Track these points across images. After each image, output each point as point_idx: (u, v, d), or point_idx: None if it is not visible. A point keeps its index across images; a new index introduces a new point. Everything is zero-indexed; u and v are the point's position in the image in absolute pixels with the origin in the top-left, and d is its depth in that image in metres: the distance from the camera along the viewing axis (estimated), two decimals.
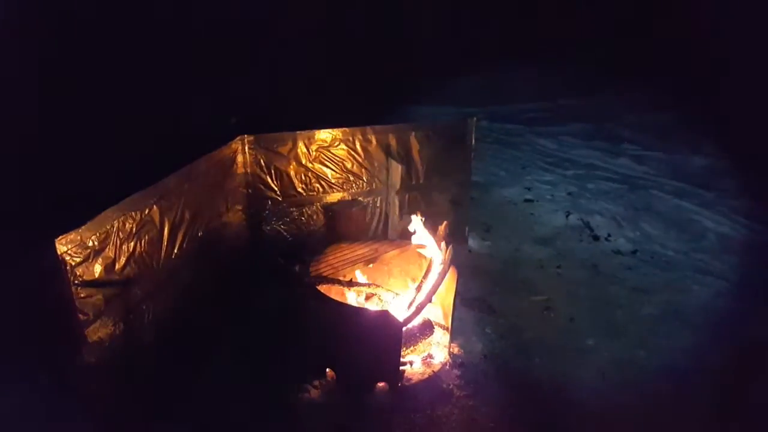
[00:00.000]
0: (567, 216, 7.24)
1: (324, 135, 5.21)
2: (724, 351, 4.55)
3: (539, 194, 8.05)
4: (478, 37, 14.81)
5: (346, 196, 5.49)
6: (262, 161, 5.03)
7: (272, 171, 5.10)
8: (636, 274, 5.89)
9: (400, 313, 3.84)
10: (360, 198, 5.55)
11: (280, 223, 5.31)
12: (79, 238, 3.00)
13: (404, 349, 4.05)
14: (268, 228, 5.28)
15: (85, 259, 3.06)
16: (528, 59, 14.12)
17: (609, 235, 6.74)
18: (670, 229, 6.91)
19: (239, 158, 4.90)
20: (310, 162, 5.23)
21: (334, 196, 5.45)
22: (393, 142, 5.46)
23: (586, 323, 4.97)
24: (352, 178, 5.46)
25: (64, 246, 2.90)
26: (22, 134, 6.18)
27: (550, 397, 4.05)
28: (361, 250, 4.66)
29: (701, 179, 8.13)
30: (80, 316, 3.03)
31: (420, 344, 4.24)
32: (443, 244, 4.23)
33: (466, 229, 6.24)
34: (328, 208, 5.42)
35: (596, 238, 6.71)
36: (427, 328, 4.34)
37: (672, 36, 11.91)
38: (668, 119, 10.29)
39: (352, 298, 4.21)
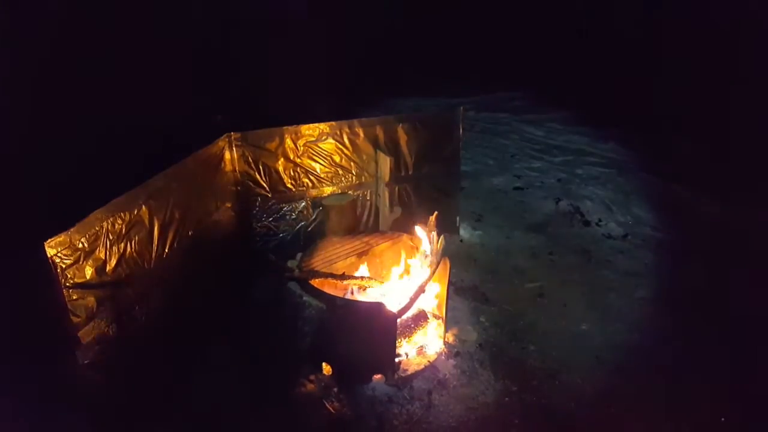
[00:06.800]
0: (557, 202, 7.26)
1: (311, 129, 5.19)
2: (717, 332, 4.59)
3: (529, 182, 8.08)
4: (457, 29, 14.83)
5: (336, 189, 5.47)
6: (249, 158, 5.00)
7: (260, 167, 5.08)
8: (628, 257, 5.93)
9: (394, 304, 3.85)
10: (350, 191, 5.54)
11: (270, 219, 5.29)
12: (68, 240, 2.98)
13: (399, 340, 4.06)
14: (259, 225, 5.26)
15: (76, 261, 3.04)
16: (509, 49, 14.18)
17: (600, 220, 6.77)
18: (660, 211, 6.96)
19: (227, 156, 4.87)
20: (298, 157, 5.21)
21: (324, 191, 5.43)
22: (380, 134, 5.45)
23: (579, 308, 5.00)
24: (341, 172, 5.45)
25: (53, 249, 2.88)
26: (4, 136, 6.11)
27: (546, 382, 4.08)
28: (353, 243, 4.66)
29: (690, 162, 8.17)
30: (73, 318, 3.01)
31: (415, 335, 4.26)
32: (435, 234, 4.23)
33: (457, 218, 6.25)
34: (318, 203, 5.41)
35: (587, 223, 6.74)
36: (422, 318, 4.35)
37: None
38: (654, 103, 10.32)
39: (346, 291, 4.22)
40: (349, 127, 5.33)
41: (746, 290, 5.10)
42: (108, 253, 3.32)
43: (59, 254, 2.92)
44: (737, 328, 4.61)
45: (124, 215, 3.47)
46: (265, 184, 5.15)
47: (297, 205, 5.37)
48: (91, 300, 3.15)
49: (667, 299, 5.13)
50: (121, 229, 3.44)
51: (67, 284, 2.99)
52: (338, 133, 5.30)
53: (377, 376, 3.93)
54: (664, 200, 7.27)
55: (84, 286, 3.11)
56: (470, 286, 5.26)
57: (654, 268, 5.70)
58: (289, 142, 5.12)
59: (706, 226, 6.54)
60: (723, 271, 5.48)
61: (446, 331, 4.39)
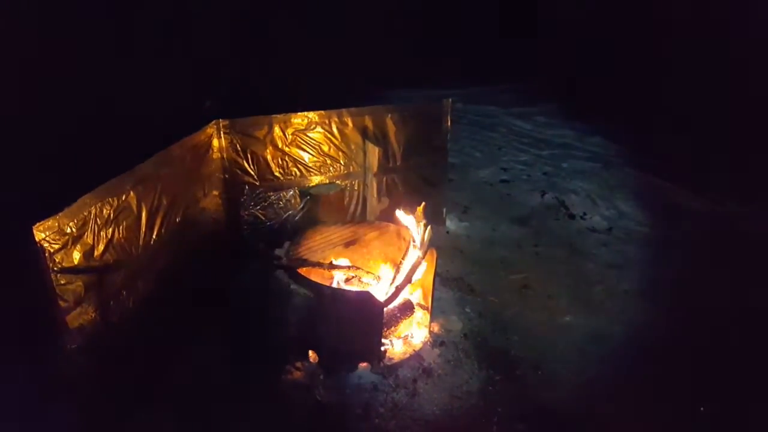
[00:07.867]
0: (543, 195, 7.33)
1: (300, 118, 5.18)
2: (699, 324, 4.68)
3: (515, 174, 8.13)
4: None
5: (324, 179, 5.48)
6: (238, 146, 4.98)
7: (248, 155, 5.06)
8: (611, 251, 6.00)
9: (380, 293, 3.88)
10: (338, 181, 5.55)
11: (258, 207, 5.28)
12: (56, 224, 2.97)
13: (385, 329, 4.09)
14: (246, 213, 5.25)
15: (64, 246, 3.03)
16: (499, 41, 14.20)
17: (584, 214, 6.84)
18: (644, 206, 7.04)
19: (215, 143, 4.85)
20: (287, 146, 5.20)
21: (312, 180, 5.43)
22: (369, 124, 5.46)
23: (563, 300, 5.06)
24: (329, 162, 5.45)
25: (41, 233, 2.87)
26: None
27: (529, 373, 4.14)
28: (340, 232, 4.68)
29: (674, 156, 8.27)
30: (61, 303, 3.01)
31: (401, 324, 4.29)
32: (422, 225, 4.26)
33: (444, 210, 6.28)
34: (306, 192, 5.41)
35: (572, 216, 6.80)
36: (408, 308, 4.38)
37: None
38: (641, 99, 10.40)
39: (334, 279, 4.24)
40: (338, 117, 5.32)
41: (728, 282, 5.20)
42: (96, 238, 3.31)
43: (47, 238, 2.92)
44: (719, 320, 4.70)
45: (112, 201, 3.47)
46: (253, 173, 5.14)
47: (285, 193, 5.35)
48: (79, 285, 3.15)
49: (650, 292, 5.21)
50: (109, 214, 3.44)
51: (55, 269, 2.99)
52: (327, 122, 5.29)
53: (363, 364, 3.97)
54: (648, 195, 7.36)
55: (72, 270, 3.10)
56: (456, 277, 5.30)
57: (637, 262, 5.78)
58: (277, 130, 5.10)
59: (689, 220, 6.64)
60: (705, 264, 5.59)
61: (432, 320, 4.43)
